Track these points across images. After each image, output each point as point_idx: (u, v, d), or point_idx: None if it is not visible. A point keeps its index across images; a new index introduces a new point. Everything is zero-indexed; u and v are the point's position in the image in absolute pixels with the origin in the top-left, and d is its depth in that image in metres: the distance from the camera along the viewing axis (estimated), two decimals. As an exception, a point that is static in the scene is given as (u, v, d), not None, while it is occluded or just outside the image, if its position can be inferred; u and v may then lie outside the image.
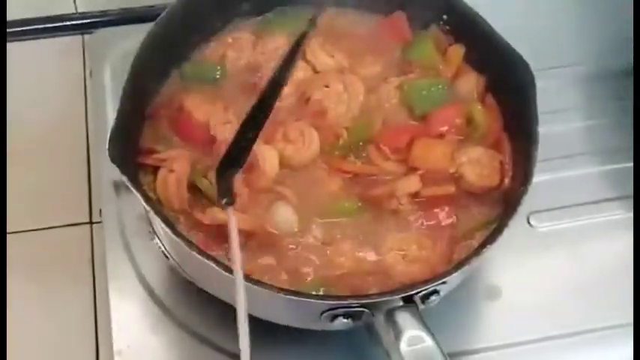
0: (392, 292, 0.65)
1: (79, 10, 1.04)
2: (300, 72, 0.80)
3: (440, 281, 0.66)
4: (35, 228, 0.97)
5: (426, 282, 0.66)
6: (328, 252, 0.71)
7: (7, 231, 0.91)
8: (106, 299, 0.77)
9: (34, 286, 0.92)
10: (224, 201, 0.66)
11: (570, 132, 0.90)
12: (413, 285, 0.66)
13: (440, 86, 0.80)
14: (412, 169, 0.75)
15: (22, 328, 0.88)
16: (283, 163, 0.75)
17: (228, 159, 0.69)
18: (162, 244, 0.74)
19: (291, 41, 0.81)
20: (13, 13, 1.02)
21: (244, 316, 0.60)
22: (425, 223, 0.74)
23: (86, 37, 1.05)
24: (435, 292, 0.66)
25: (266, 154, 0.73)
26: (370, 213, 0.74)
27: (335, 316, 0.66)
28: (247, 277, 0.63)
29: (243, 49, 0.82)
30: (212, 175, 0.72)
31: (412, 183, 0.74)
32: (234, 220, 0.64)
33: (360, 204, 0.74)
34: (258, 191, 0.73)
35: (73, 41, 1.06)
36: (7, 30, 1.01)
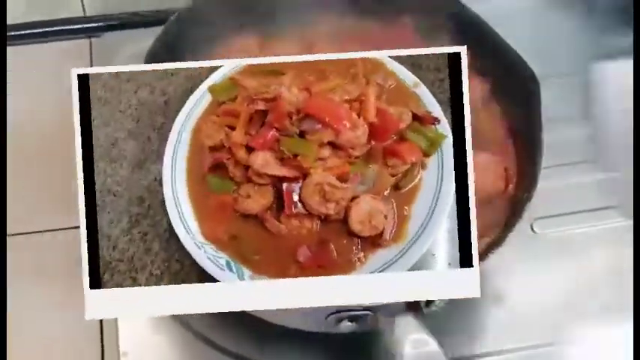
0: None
1: (87, 14, 1.05)
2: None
3: (444, 286, 0.66)
4: (40, 230, 0.97)
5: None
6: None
7: (11, 233, 0.92)
8: (111, 301, 0.77)
9: (38, 288, 0.92)
10: None
11: (572, 139, 0.90)
12: (417, 289, 0.66)
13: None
14: (417, 175, 0.75)
15: (27, 330, 0.88)
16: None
17: None
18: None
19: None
20: (20, 16, 1.03)
21: None
22: (429, 229, 0.74)
23: (93, 40, 1.05)
24: (439, 296, 0.67)
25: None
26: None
27: (340, 319, 0.66)
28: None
29: (250, 54, 0.83)
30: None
31: (417, 188, 0.74)
32: None
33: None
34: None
35: (80, 45, 1.06)
36: (17, 33, 1.02)
